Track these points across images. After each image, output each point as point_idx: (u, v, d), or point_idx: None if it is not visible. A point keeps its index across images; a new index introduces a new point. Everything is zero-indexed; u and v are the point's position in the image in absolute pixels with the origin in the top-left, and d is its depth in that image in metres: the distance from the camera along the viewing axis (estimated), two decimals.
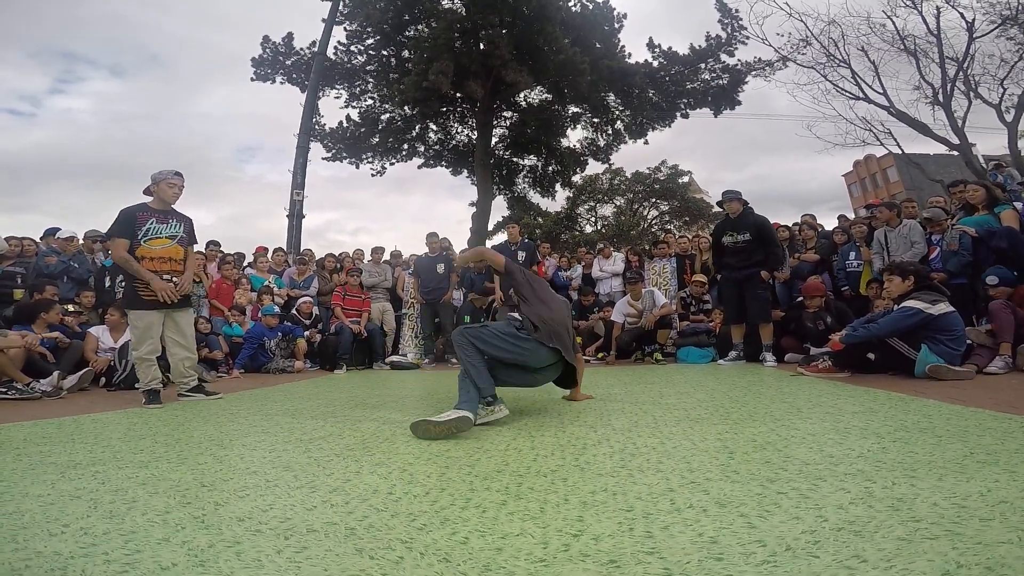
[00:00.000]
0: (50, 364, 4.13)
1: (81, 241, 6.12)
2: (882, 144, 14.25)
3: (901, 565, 0.87)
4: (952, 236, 4.54)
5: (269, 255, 7.39)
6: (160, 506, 1.31)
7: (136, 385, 3.43)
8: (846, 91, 14.26)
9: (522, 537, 1.08)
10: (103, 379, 4.31)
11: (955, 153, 13.51)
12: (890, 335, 3.44)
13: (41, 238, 6.13)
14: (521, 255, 6.20)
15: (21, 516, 1.24)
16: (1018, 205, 4.75)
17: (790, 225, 6.70)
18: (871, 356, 3.56)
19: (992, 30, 12.55)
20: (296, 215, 11.27)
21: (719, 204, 5.31)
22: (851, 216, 7.57)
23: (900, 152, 14.61)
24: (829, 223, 7.17)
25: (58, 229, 6.05)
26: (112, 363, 4.36)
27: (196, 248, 3.90)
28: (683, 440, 1.91)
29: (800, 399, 2.77)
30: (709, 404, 2.74)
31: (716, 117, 15.31)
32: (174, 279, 3.41)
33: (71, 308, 5.03)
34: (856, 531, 1.02)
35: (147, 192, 3.51)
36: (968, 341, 3.60)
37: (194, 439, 2.20)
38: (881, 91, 13.77)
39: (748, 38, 14.29)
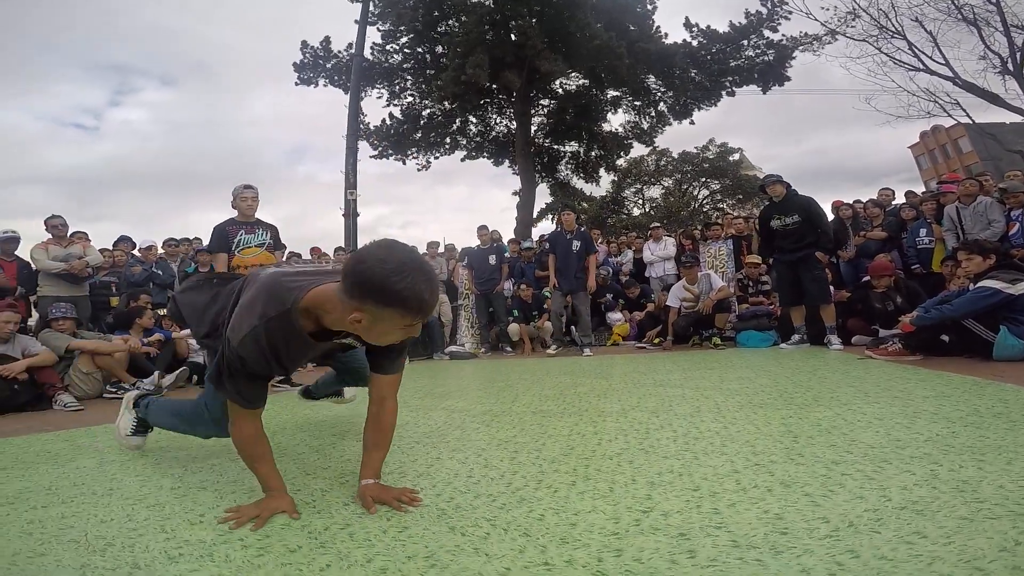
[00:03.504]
0: (150, 364, 4.59)
1: (161, 249, 6.66)
2: (950, 115, 13.04)
3: (960, 542, 0.91)
4: None
5: (331, 254, 7.76)
6: None
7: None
8: (904, 63, 13.12)
9: (594, 514, 1.19)
10: (195, 377, 4.73)
11: None
12: (965, 316, 3.28)
13: (114, 245, 6.51)
14: (576, 244, 5.96)
15: (162, 508, 1.40)
16: None
17: (852, 203, 6.40)
18: (945, 338, 3.41)
19: None
20: (352, 214, 11.66)
21: (761, 189, 5.30)
22: (919, 191, 7.07)
23: (970, 123, 13.42)
24: (898, 197, 6.79)
25: (128, 237, 6.53)
26: (203, 360, 4.78)
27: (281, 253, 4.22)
28: (747, 424, 1.96)
29: (868, 383, 2.73)
30: (772, 389, 2.73)
31: (764, 94, 14.71)
32: None
33: (162, 312, 5.51)
34: (918, 510, 1.06)
35: (234, 206, 3.85)
36: None
37: (287, 431, 2.43)
38: (943, 62, 12.63)
39: (791, 13, 13.53)
